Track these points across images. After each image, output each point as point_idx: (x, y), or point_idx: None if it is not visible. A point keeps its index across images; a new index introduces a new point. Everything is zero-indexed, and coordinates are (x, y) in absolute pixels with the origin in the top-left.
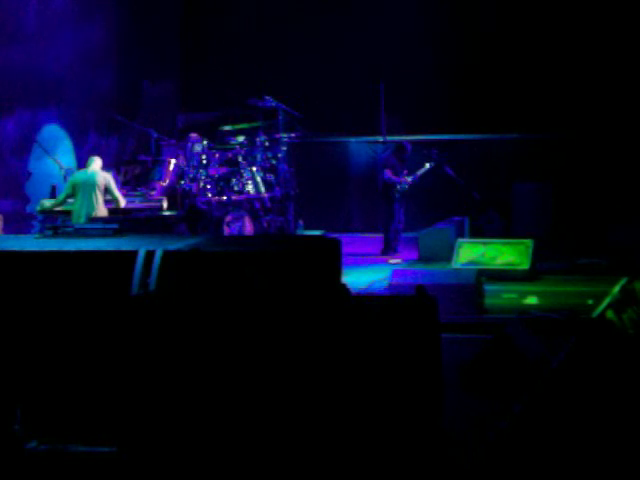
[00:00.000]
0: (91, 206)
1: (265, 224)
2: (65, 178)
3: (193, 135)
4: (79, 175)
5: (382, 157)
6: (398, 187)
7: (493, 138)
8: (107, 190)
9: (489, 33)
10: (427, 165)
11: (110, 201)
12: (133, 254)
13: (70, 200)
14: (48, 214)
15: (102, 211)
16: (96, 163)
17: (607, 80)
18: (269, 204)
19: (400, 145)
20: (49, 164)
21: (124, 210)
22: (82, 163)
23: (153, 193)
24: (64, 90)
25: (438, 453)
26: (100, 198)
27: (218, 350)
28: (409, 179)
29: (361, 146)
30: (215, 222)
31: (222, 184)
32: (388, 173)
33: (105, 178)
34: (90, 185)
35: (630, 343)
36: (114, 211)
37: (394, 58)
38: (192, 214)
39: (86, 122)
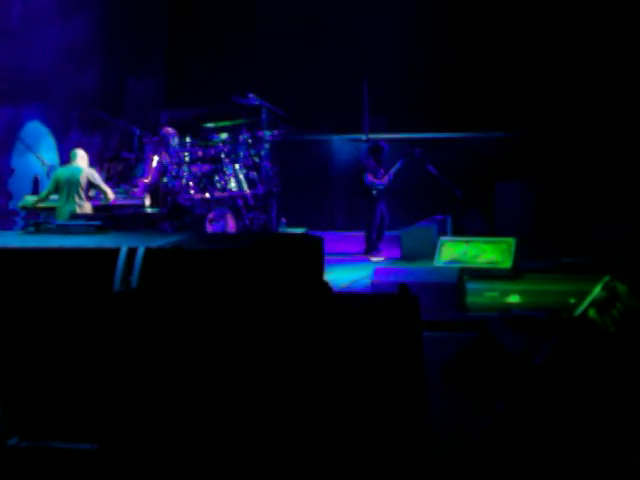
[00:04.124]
0: (74, 203)
1: (248, 222)
2: (48, 174)
3: (170, 130)
4: (62, 171)
5: (360, 160)
6: (376, 186)
7: (476, 136)
8: (93, 185)
9: (473, 31)
10: (398, 162)
11: (92, 198)
12: (115, 251)
13: (53, 197)
14: (31, 211)
15: (86, 208)
16: (80, 157)
17: (591, 79)
18: (252, 202)
19: (376, 145)
20: (32, 161)
21: (107, 207)
22: (65, 159)
23: (136, 190)
24: (47, 87)
25: (421, 451)
26: (84, 195)
27: (200, 347)
28: (386, 178)
29: (344, 144)
30: (198, 219)
31: (205, 181)
32: (369, 177)
33: (89, 174)
34: (74, 182)
35: (611, 342)
36: (97, 208)
37: (378, 56)
38: (175, 211)
39: (69, 119)
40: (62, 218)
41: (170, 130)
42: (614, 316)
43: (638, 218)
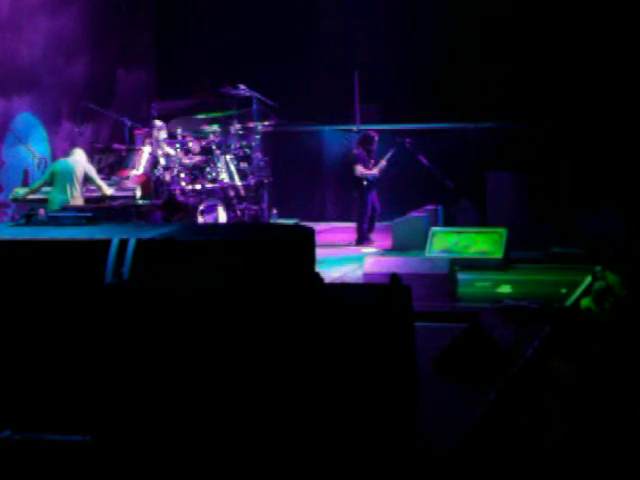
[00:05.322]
0: (66, 195)
1: (239, 213)
2: (39, 166)
3: (157, 122)
4: (59, 163)
5: (351, 151)
6: (367, 176)
7: (467, 127)
8: (89, 179)
9: (463, 22)
10: (390, 152)
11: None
12: (107, 243)
13: (46, 188)
14: (21, 202)
15: (78, 200)
16: (78, 154)
17: (581, 70)
18: (243, 193)
19: (367, 136)
20: (23, 152)
21: (98, 199)
22: (56, 151)
23: (127, 182)
24: (38, 78)
25: (412, 442)
26: (78, 187)
27: (191, 339)
28: (376, 170)
29: (335, 135)
30: (189, 211)
31: (196, 172)
32: (360, 168)
33: (86, 167)
34: (68, 174)
35: (603, 332)
36: (88, 200)
37: (368, 46)
38: (166, 203)
39: (60, 110)
40: (53, 208)
41: (158, 123)
42: (606, 307)
43: (629, 208)
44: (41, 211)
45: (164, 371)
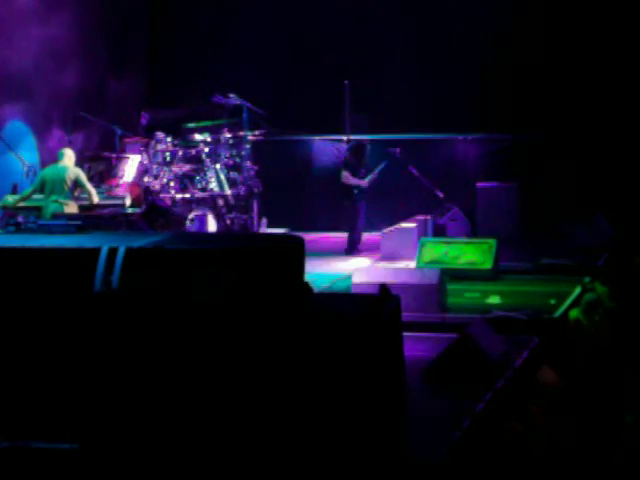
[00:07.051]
0: (58, 202)
1: (229, 222)
2: (27, 174)
3: (159, 134)
4: (49, 170)
5: (342, 160)
6: (359, 186)
7: (458, 137)
8: (78, 184)
9: (455, 33)
10: (382, 163)
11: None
12: (96, 251)
13: (35, 196)
14: (10, 210)
15: (72, 207)
16: (67, 157)
17: (572, 81)
18: (233, 202)
19: (359, 145)
20: (12, 160)
21: (88, 207)
22: (45, 159)
23: (117, 190)
24: (28, 86)
25: (400, 453)
26: (69, 194)
27: (180, 347)
28: (367, 179)
29: (325, 144)
30: (178, 219)
31: (186, 181)
32: (348, 176)
33: (75, 173)
34: (59, 180)
35: (592, 343)
36: (78, 208)
37: (360, 56)
38: (155, 211)
39: (50, 118)
40: (45, 217)
41: (160, 135)
42: (596, 319)
43: (619, 219)
44: (19, 218)
45: (152, 380)
